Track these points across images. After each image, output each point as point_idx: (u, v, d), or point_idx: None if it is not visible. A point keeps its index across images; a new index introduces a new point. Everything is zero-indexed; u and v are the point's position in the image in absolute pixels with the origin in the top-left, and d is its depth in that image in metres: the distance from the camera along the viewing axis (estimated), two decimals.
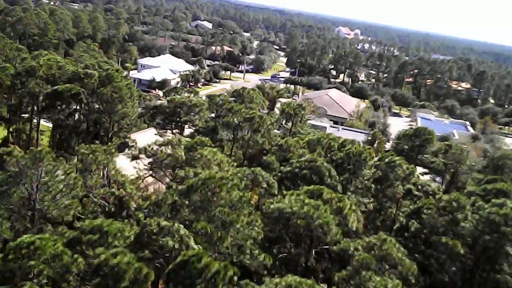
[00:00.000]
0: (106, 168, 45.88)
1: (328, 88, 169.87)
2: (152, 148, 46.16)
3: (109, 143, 51.43)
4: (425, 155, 72.99)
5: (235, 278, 30.21)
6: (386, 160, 52.24)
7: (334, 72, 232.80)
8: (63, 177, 35.42)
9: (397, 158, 52.85)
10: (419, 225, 45.60)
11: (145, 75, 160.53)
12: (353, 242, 39.91)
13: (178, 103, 68.64)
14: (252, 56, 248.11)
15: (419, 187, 52.17)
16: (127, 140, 63.28)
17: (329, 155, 54.58)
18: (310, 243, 40.29)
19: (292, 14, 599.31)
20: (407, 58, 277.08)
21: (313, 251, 40.30)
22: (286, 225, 40.14)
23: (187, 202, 35.41)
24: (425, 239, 44.85)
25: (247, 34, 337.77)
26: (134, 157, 50.91)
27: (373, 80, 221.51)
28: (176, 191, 36.46)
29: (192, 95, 75.97)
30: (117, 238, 31.66)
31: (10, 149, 37.29)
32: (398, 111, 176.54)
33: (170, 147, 43.71)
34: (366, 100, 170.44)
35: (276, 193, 47.25)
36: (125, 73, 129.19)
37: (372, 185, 51.31)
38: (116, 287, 27.85)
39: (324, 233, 39.52)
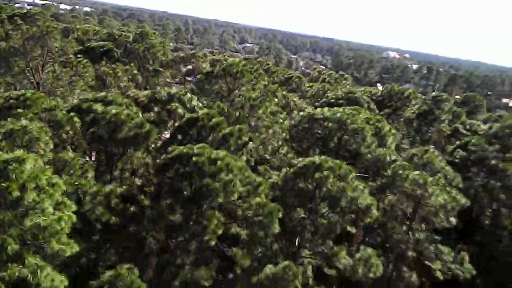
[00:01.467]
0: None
1: None
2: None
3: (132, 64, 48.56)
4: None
5: (250, 144, 26.42)
6: (433, 94, 47.80)
7: (380, 87, 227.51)
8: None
9: (444, 94, 48.40)
10: (465, 153, 40.91)
11: None
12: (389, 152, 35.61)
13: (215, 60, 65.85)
14: (298, 72, 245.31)
15: (468, 126, 47.35)
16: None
17: (368, 95, 50.48)
18: (342, 150, 36.01)
19: (341, 42, 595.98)
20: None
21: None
22: (316, 134, 36.14)
23: (206, 88, 31.99)
24: (470, 166, 40.20)
25: (294, 56, 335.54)
26: None
27: (420, 95, 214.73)
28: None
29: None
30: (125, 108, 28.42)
31: None
32: None
33: (194, 60, 40.56)
34: None
35: None
36: None
37: (416, 120, 46.74)
38: (112, 138, 24.62)
39: (357, 142, 35.38)
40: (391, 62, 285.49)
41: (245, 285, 24.84)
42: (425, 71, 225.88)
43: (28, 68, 32.00)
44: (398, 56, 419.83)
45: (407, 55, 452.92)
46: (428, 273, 34.00)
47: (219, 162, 22.06)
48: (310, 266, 27.47)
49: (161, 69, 47.04)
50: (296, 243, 27.52)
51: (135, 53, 64.89)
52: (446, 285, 35.84)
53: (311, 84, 69.93)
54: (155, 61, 65.62)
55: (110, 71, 40.68)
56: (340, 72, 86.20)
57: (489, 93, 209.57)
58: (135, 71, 42.43)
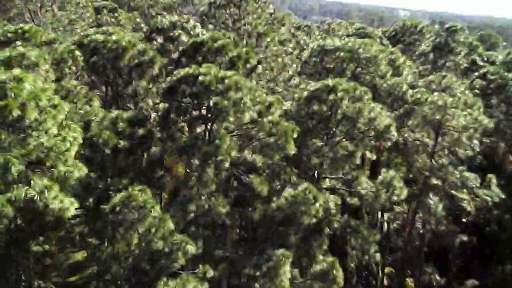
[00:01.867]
0: None
1: None
2: None
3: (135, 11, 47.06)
4: None
5: (259, 68, 25.21)
6: (447, 26, 46.08)
7: None
8: None
9: (458, 24, 46.70)
10: (484, 82, 39.32)
11: None
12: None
13: None
14: None
15: (485, 58, 45.61)
16: None
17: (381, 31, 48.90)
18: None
19: (351, 4, 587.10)
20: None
21: None
22: (328, 68, 34.76)
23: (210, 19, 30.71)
24: (490, 95, 38.70)
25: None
26: None
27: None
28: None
29: None
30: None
31: None
32: None
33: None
34: None
35: None
36: None
37: (431, 53, 45.05)
38: (114, 66, 23.59)
39: (371, 73, 33.94)
40: (402, 19, 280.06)
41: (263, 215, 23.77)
42: (437, 26, 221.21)
43: (27, 12, 31.08)
44: (409, 15, 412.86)
45: (418, 13, 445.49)
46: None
47: (227, 81, 20.87)
48: (332, 200, 26.01)
49: (164, 13, 45.66)
50: (315, 175, 26.49)
51: (138, 10, 63.27)
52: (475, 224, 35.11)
53: (321, 33, 68.24)
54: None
55: (113, 20, 39.42)
56: (350, 21, 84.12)
57: (504, 43, 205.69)
58: (138, 19, 41.14)
